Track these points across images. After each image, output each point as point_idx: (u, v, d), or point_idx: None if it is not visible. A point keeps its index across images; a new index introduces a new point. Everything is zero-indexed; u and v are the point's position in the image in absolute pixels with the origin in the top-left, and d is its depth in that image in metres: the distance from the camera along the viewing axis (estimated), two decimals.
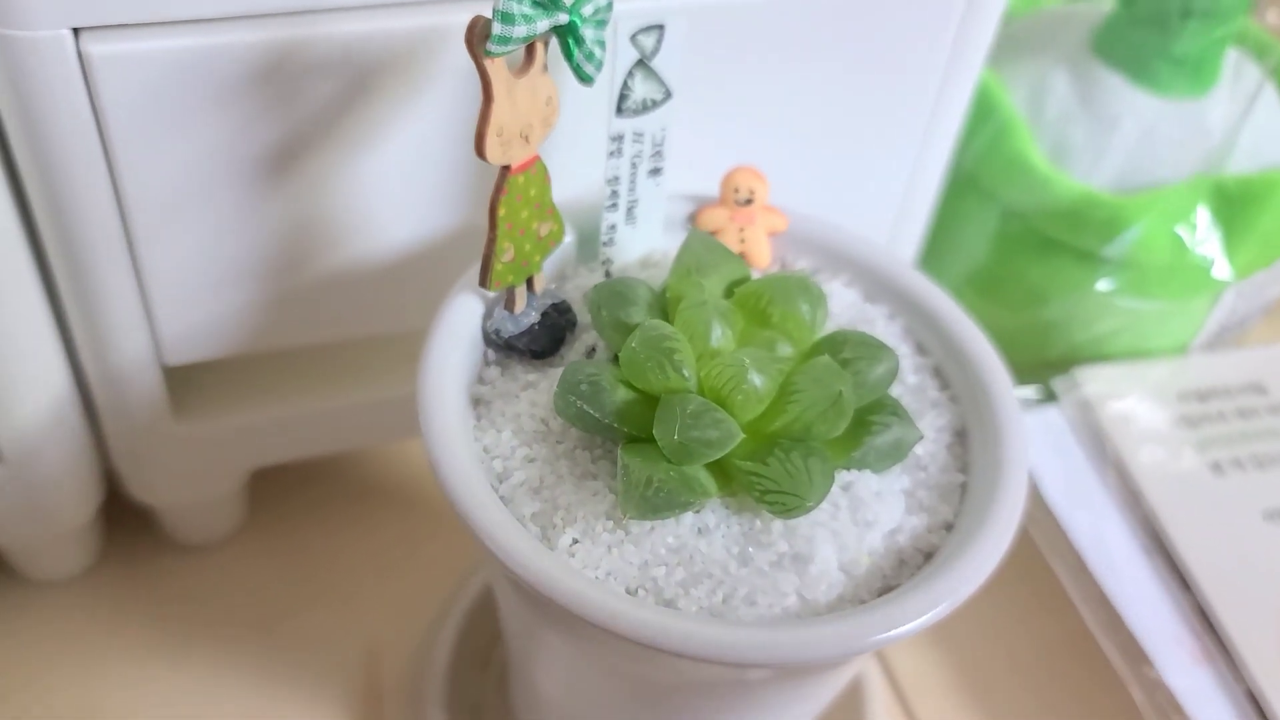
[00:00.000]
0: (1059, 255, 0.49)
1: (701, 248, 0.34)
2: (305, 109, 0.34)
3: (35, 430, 0.40)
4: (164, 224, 0.36)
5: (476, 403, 0.33)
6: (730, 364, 0.30)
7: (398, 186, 0.37)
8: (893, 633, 0.28)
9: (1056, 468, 0.47)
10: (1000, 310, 0.51)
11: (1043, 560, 0.46)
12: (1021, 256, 0.50)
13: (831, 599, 0.30)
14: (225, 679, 0.44)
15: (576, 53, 0.30)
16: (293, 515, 0.49)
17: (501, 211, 0.31)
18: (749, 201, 0.37)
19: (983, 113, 0.49)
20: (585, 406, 0.30)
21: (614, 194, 0.35)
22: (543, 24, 0.28)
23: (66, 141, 0.33)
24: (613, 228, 0.36)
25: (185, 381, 0.43)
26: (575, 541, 0.30)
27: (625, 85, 0.33)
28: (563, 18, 0.28)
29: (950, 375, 0.35)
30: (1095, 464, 0.48)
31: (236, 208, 0.36)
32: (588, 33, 0.29)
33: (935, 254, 0.52)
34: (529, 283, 0.34)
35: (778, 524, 0.30)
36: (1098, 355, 0.51)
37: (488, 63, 0.28)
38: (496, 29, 0.27)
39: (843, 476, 0.32)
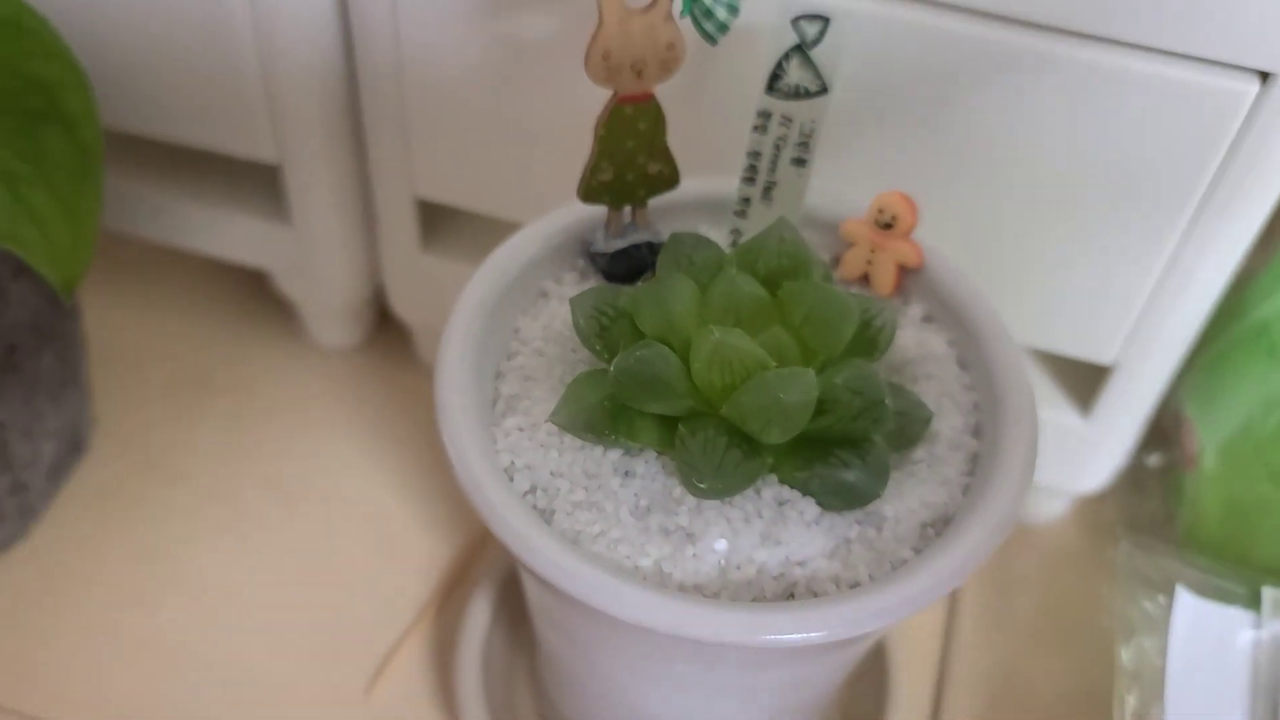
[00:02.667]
0: None
1: (782, 236, 0.34)
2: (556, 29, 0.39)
3: (324, 208, 0.49)
4: (427, 59, 0.42)
5: (541, 295, 0.37)
6: (704, 337, 0.31)
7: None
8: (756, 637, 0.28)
9: (1201, 672, 0.41)
10: (1245, 489, 0.44)
11: None
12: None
13: (688, 584, 0.30)
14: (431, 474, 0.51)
15: (693, 6, 0.32)
16: None
17: (602, 132, 0.34)
18: (889, 226, 0.36)
19: None
20: (583, 323, 0.33)
21: (752, 168, 0.36)
22: None
23: None
24: (746, 200, 0.37)
25: (437, 225, 0.50)
26: (520, 430, 0.33)
27: (780, 65, 0.34)
28: None
29: (978, 471, 0.33)
30: (1248, 695, 0.40)
31: (488, 68, 0.42)
32: None
33: (1208, 399, 0.46)
34: (633, 213, 0.36)
35: (691, 500, 0.31)
36: None
37: None
38: None
39: (781, 492, 0.31)
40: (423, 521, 0.50)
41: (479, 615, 0.45)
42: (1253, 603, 0.43)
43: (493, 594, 0.46)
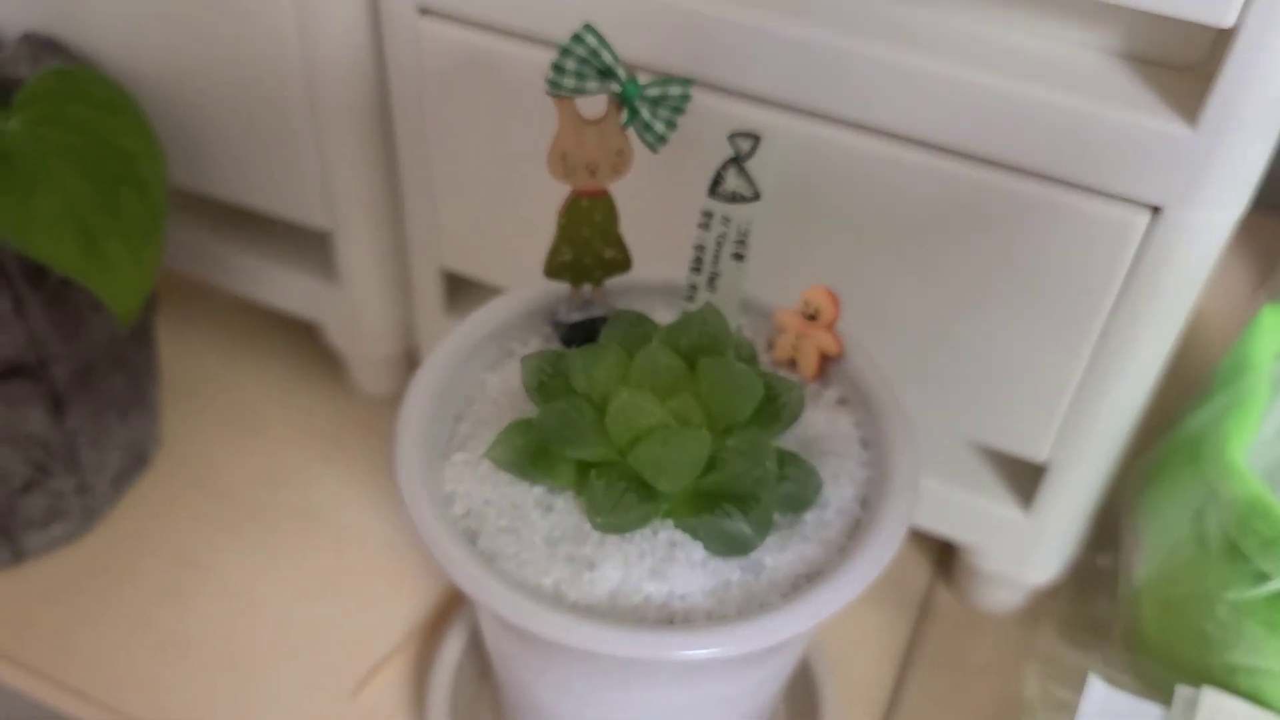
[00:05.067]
0: (1233, 559, 0.44)
1: (708, 319, 0.39)
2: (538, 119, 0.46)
3: (369, 273, 0.56)
4: (452, 157, 0.49)
5: (508, 354, 0.43)
6: (618, 396, 0.36)
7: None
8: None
9: None
10: (1173, 593, 0.47)
11: None
12: (1205, 548, 0.46)
13: (581, 604, 0.35)
14: None
15: (633, 121, 0.38)
16: None
17: (563, 220, 0.40)
18: (813, 317, 0.41)
19: (1228, 382, 0.46)
20: (529, 379, 0.39)
21: (698, 260, 0.42)
22: (592, 84, 0.37)
23: (400, 79, 0.48)
24: (694, 288, 0.43)
25: (461, 292, 0.57)
26: (465, 463, 0.39)
27: (719, 174, 0.40)
28: (615, 87, 0.37)
29: (855, 538, 0.37)
30: None
31: (501, 176, 0.49)
32: (643, 108, 0.37)
33: (1147, 504, 0.50)
34: (592, 291, 0.42)
35: (596, 535, 0.36)
36: (1246, 688, 0.45)
37: (556, 102, 0.37)
38: (549, 74, 0.36)
39: (674, 536, 0.36)
40: (426, 555, 0.56)
41: (456, 640, 0.51)
42: (1168, 699, 0.46)
43: (470, 624, 0.51)
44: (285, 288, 0.59)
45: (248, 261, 0.59)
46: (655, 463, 0.35)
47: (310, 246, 0.59)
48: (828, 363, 0.42)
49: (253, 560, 0.56)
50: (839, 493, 0.38)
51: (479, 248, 0.52)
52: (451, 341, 0.41)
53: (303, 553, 0.56)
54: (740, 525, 0.35)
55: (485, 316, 0.42)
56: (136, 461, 0.58)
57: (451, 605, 0.54)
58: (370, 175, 0.53)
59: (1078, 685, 0.47)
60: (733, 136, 0.39)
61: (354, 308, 0.58)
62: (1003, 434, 0.47)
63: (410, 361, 0.63)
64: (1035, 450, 0.47)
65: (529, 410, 0.40)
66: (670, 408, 0.37)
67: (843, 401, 0.42)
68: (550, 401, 0.38)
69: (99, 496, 0.55)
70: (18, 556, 0.53)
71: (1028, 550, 0.51)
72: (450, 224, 0.52)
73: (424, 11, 0.46)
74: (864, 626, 0.55)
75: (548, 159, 0.39)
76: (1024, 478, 0.51)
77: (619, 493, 0.35)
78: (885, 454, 0.39)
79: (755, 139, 0.39)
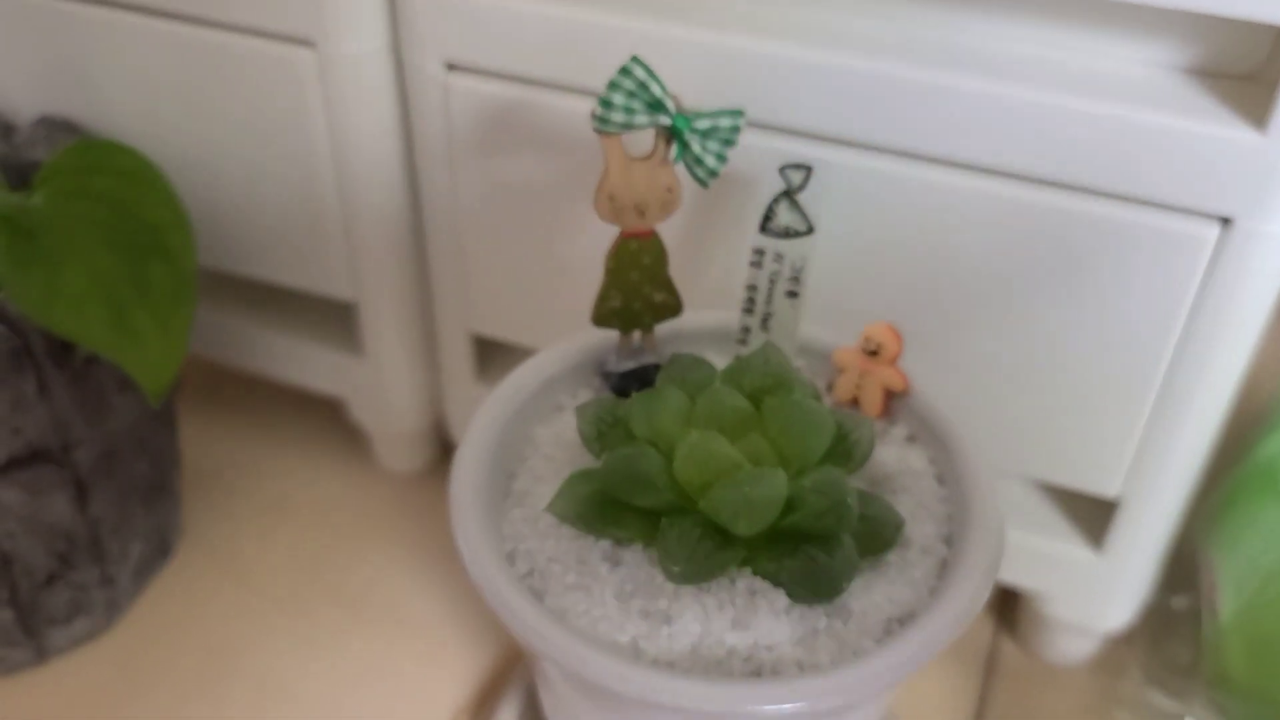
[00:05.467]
0: None
1: (768, 358, 0.38)
2: (576, 170, 0.45)
3: (394, 343, 0.55)
4: (480, 219, 0.48)
5: (557, 408, 0.41)
6: (686, 441, 0.34)
7: None
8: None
9: None
10: (1262, 626, 0.45)
11: None
12: None
13: (662, 660, 0.33)
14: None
15: (684, 154, 0.37)
16: None
17: (611, 264, 0.39)
18: (875, 353, 0.40)
19: None
20: (586, 428, 0.37)
21: (750, 300, 0.41)
22: (641, 118, 0.35)
23: (428, 140, 0.47)
24: (746, 330, 0.41)
25: (491, 358, 0.55)
26: (524, 520, 0.36)
27: (771, 208, 0.39)
28: (665, 120, 0.36)
29: (944, 577, 0.35)
30: None
31: (522, 226, 0.47)
32: (693, 141, 0.36)
33: (1223, 540, 0.47)
34: (642, 338, 0.41)
35: (671, 588, 0.34)
36: None
37: (603, 139, 0.36)
38: (596, 110, 0.35)
39: (754, 584, 0.34)
40: (467, 634, 0.54)
41: (506, 718, 0.48)
42: None
43: (519, 702, 0.48)
44: (307, 364, 0.58)
45: (267, 339, 0.58)
46: (731, 506, 0.33)
47: (332, 320, 0.58)
48: (892, 400, 0.40)
49: (287, 650, 0.53)
50: (920, 530, 0.36)
51: (510, 309, 0.51)
52: (501, 395, 0.39)
53: (339, 639, 0.54)
54: (825, 567, 0.33)
55: (533, 369, 0.40)
56: (159, 551, 0.55)
57: (499, 683, 0.52)
58: (397, 240, 0.51)
59: None
60: (784, 169, 0.38)
61: (380, 380, 0.56)
62: (1072, 471, 0.45)
63: (439, 436, 0.61)
64: (1107, 486, 0.45)
65: (586, 462, 0.38)
66: (741, 449, 0.35)
67: (911, 439, 0.40)
68: (610, 451, 0.36)
69: (122, 589, 0.53)
70: (41, 655, 0.51)
71: (1101, 594, 0.49)
72: (480, 286, 0.50)
73: (451, 68, 0.45)
74: (929, 691, 0.52)
75: (595, 201, 0.37)
76: (1092, 518, 0.49)
77: (694, 540, 0.33)
78: (964, 488, 0.37)
79: (807, 170, 0.38)
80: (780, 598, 0.34)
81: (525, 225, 0.47)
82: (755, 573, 0.34)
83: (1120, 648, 0.53)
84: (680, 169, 0.37)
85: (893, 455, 0.39)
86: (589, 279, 0.39)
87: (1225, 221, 0.38)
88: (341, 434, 0.63)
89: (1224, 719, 0.45)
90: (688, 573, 0.33)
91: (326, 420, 0.64)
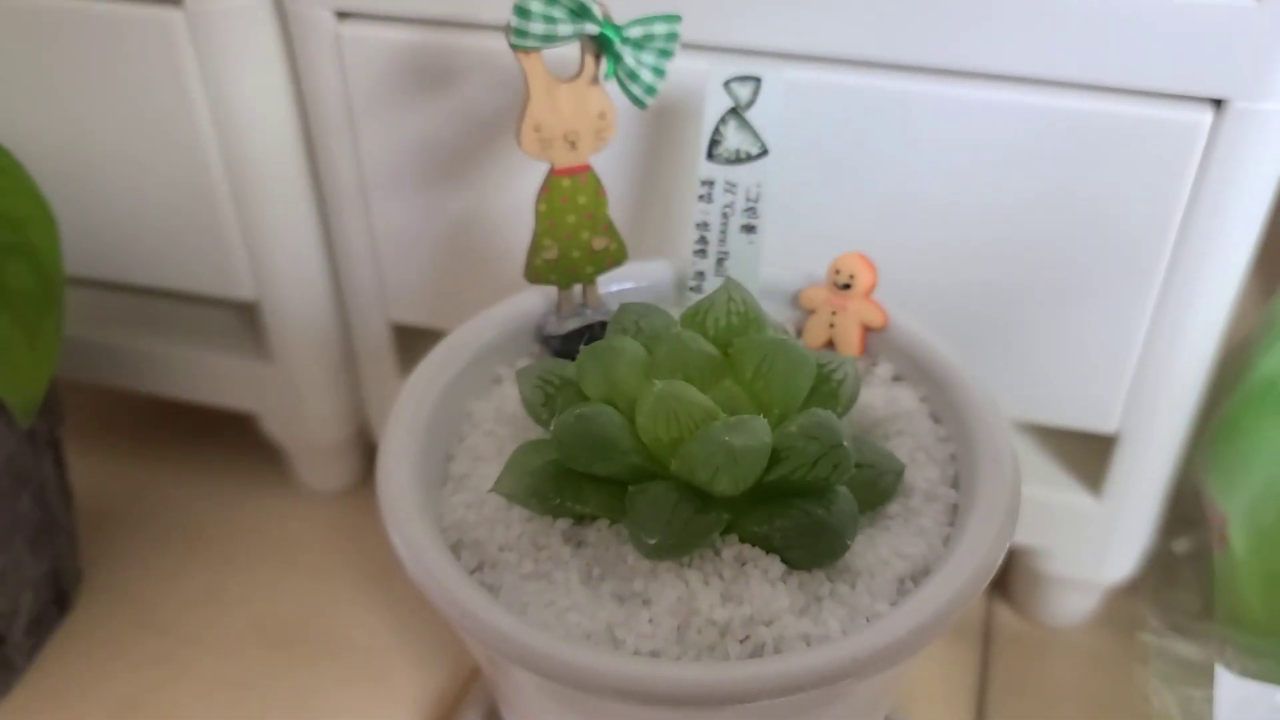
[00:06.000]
0: None
1: (730, 296, 0.33)
2: (494, 116, 0.40)
3: (304, 343, 0.49)
4: (390, 188, 0.43)
5: (495, 380, 0.36)
6: (650, 392, 0.29)
7: None
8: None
9: None
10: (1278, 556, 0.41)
11: None
12: None
13: (643, 650, 0.28)
14: (420, 612, 0.49)
15: (616, 69, 0.32)
16: None
17: (542, 207, 0.34)
18: (847, 286, 0.35)
19: None
20: (529, 393, 0.32)
21: (702, 239, 0.36)
22: (565, 28, 0.31)
23: (327, 103, 0.41)
24: (700, 275, 0.36)
25: (418, 352, 0.49)
26: (467, 506, 0.31)
27: (718, 130, 0.34)
28: (591, 28, 0.31)
29: (958, 520, 0.31)
30: None
31: (441, 189, 0.42)
32: (625, 53, 0.31)
33: (1226, 468, 0.44)
34: (584, 293, 0.36)
35: (645, 564, 0.29)
36: None
37: (522, 58, 0.31)
38: (513, 22, 0.30)
39: (742, 551, 0.29)
40: (413, 659, 0.48)
41: None
42: None
43: None
44: (208, 377, 0.52)
45: (160, 354, 0.52)
46: (710, 461, 0.28)
47: (233, 324, 0.52)
48: (869, 337, 0.36)
49: (209, 695, 0.47)
50: (921, 475, 0.32)
51: (434, 290, 0.45)
52: (428, 368, 0.34)
53: (267, 676, 0.47)
54: (824, 523, 0.29)
55: (463, 338, 0.35)
56: (55, 601, 0.49)
57: (453, 710, 0.46)
58: (298, 222, 0.46)
59: (1191, 680, 0.41)
60: (729, 83, 0.34)
61: (292, 388, 0.50)
62: (1067, 408, 0.41)
63: (364, 445, 0.55)
64: (1104, 420, 0.41)
65: (534, 434, 0.33)
66: (713, 399, 0.30)
67: (898, 378, 0.35)
68: (561, 415, 0.31)
69: (14, 647, 0.46)
70: None
71: (1102, 543, 0.45)
72: (396, 266, 0.45)
73: (342, 15, 0.40)
74: (926, 671, 0.48)
75: (518, 133, 0.33)
76: (1088, 463, 0.45)
77: (669, 506, 0.28)
78: (966, 423, 0.33)
79: (756, 82, 0.34)
80: (774, 564, 0.29)
81: (443, 189, 0.42)
82: (742, 539, 0.30)
83: (1122, 602, 0.49)
84: (613, 90, 0.33)
85: (879, 397, 0.34)
86: (522, 240, 0.35)
87: (1218, 104, 0.34)
88: (256, 453, 0.57)
89: (1250, 658, 0.41)
90: (665, 544, 0.28)
91: (238, 439, 0.58)
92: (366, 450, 0.55)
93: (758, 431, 0.28)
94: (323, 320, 0.49)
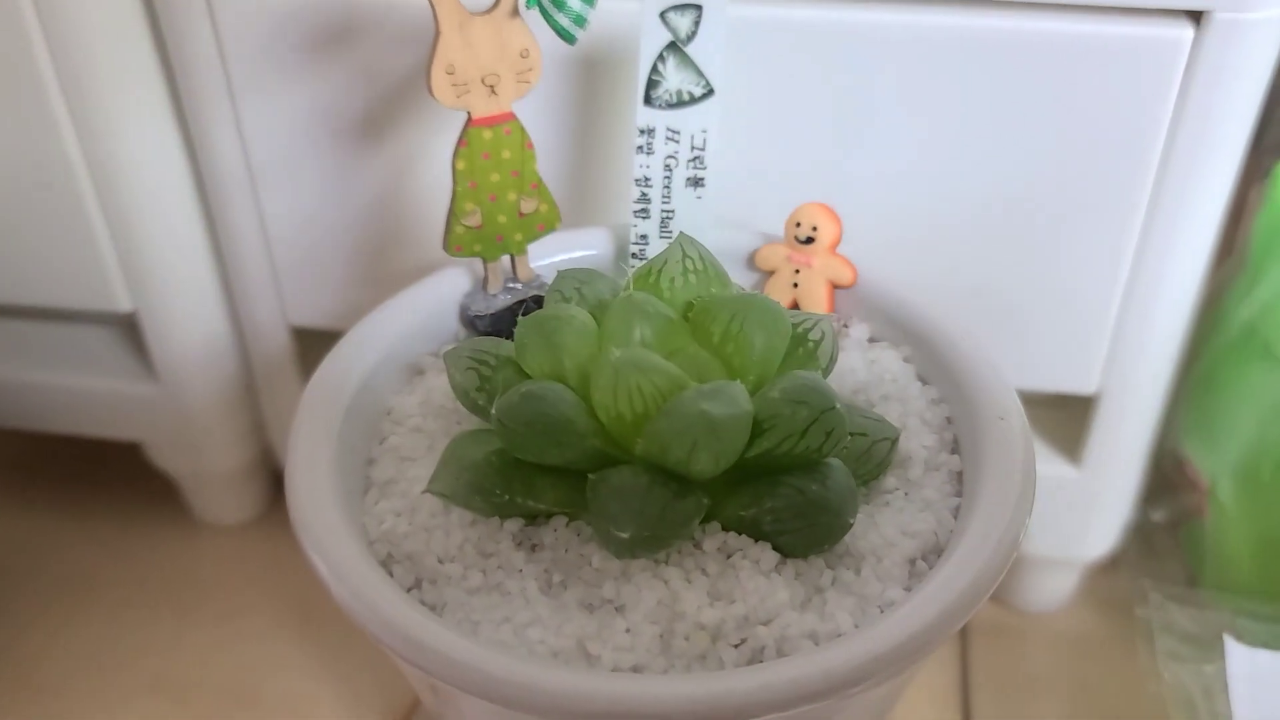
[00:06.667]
0: None
1: (685, 252, 0.29)
2: (394, 78, 0.35)
3: (191, 358, 0.43)
4: (280, 174, 0.38)
5: (417, 371, 0.31)
6: (605, 362, 0.25)
7: None
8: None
9: None
10: (1273, 511, 0.38)
11: None
12: None
13: (623, 665, 0.23)
14: (346, 650, 0.44)
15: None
16: None
17: (460, 165, 0.29)
18: (810, 240, 0.31)
19: (1268, 245, 0.38)
20: (460, 378, 0.27)
21: (643, 196, 0.32)
22: None
23: (201, 77, 0.36)
24: (644, 238, 0.32)
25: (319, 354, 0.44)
26: (397, 515, 0.26)
27: (655, 69, 0.30)
28: None
29: (966, 486, 0.27)
30: None
31: (341, 170, 0.37)
32: None
33: (1206, 427, 0.41)
34: (513, 265, 0.31)
35: (615, 565, 0.25)
36: None
37: None
38: None
39: (727, 541, 0.25)
40: (340, 702, 0.43)
41: None
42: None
43: None
44: (86, 405, 0.46)
45: (27, 382, 0.46)
46: (685, 435, 0.24)
47: (110, 341, 0.46)
48: (838, 296, 0.32)
49: None
50: (916, 442, 0.28)
51: (339, 285, 0.40)
52: (339, 361, 0.29)
53: None
54: (820, 501, 0.25)
55: (377, 325, 0.31)
56: None
57: None
58: (178, 217, 0.40)
59: (1199, 652, 0.37)
60: (665, 13, 0.30)
61: (182, 409, 0.45)
62: (1045, 369, 0.38)
63: (268, 468, 0.49)
64: (1084, 381, 0.38)
65: (470, 425, 0.28)
66: (678, 366, 0.26)
67: (875, 339, 0.32)
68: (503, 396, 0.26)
69: None
70: None
71: (1083, 515, 0.42)
72: (293, 260, 0.40)
73: None
74: None
75: (428, 77, 0.28)
76: (1064, 431, 0.41)
77: (641, 492, 0.24)
78: (960, 383, 0.29)
79: (696, 10, 0.30)
80: (765, 553, 0.25)
81: (346, 166, 0.37)
82: (725, 526, 0.25)
83: (1100, 581, 0.46)
84: (535, 23, 0.28)
85: (857, 360, 0.30)
86: (442, 217, 0.30)
87: (1198, 17, 0.31)
88: (148, 487, 0.50)
89: (1249, 623, 0.38)
90: (640, 538, 0.24)
91: (127, 473, 0.51)
92: (272, 475, 0.50)
93: (737, 399, 0.24)
94: (212, 330, 0.43)
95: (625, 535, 0.23)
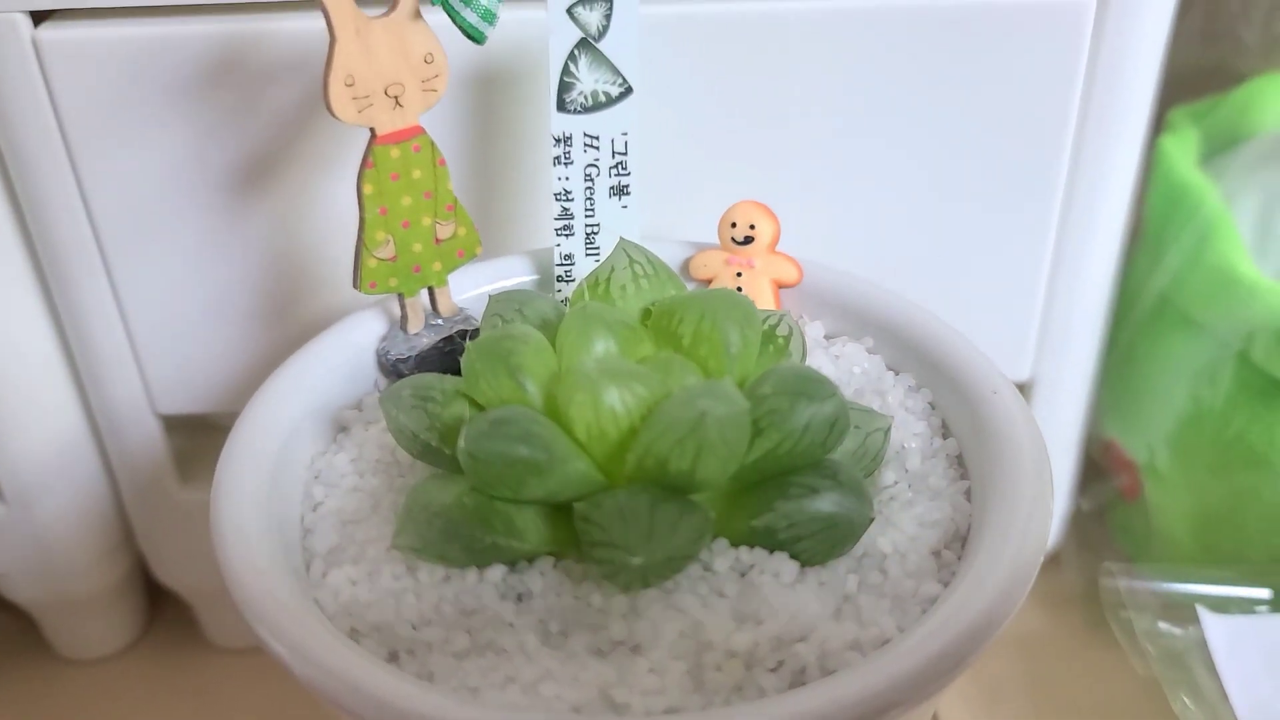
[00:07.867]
0: None
1: (631, 257, 0.27)
2: (269, 116, 0.32)
3: (40, 468, 0.38)
4: (136, 241, 0.34)
5: (340, 429, 0.27)
6: (577, 377, 0.22)
7: None
8: None
9: (1267, 692, 0.33)
10: (1214, 479, 0.38)
11: None
12: (1239, 405, 0.37)
13: (657, 709, 0.20)
14: None
15: None
16: None
17: (368, 189, 0.26)
18: (748, 240, 0.29)
19: (1182, 218, 0.38)
20: (405, 419, 0.24)
21: (565, 212, 0.29)
22: None
23: (29, 135, 0.32)
24: (569, 257, 0.30)
25: (201, 451, 0.40)
26: (354, 584, 0.23)
27: (567, 70, 0.28)
28: None
29: (973, 467, 0.25)
30: None
31: (210, 230, 0.33)
32: None
33: (1130, 406, 0.41)
34: (433, 299, 0.28)
35: (621, 601, 0.22)
36: None
37: None
38: None
39: (739, 558, 0.22)
40: None
41: None
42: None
43: None
44: None
45: None
46: (687, 443, 0.21)
47: None
48: (783, 295, 0.30)
49: None
50: (909, 431, 0.26)
51: (213, 362, 0.36)
52: (247, 437, 0.25)
53: None
54: (837, 498, 0.22)
55: (285, 384, 0.27)
56: None
57: None
58: (16, 294, 0.35)
59: (1173, 622, 0.37)
60: (572, 8, 0.27)
61: (31, 527, 0.39)
62: None
63: (142, 586, 0.44)
64: (1016, 368, 0.37)
65: (414, 478, 0.25)
66: (660, 373, 0.23)
67: (831, 336, 0.30)
68: (455, 439, 0.23)
69: None
70: None
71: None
72: (155, 338, 0.35)
73: (38, 18, 0.31)
74: None
75: (326, 91, 0.25)
76: None
77: (645, 510, 0.21)
78: (937, 363, 0.27)
79: (606, 3, 0.28)
80: (785, 564, 0.22)
81: (214, 218, 0.33)
82: (735, 542, 0.23)
83: (1048, 575, 0.45)
84: (438, 25, 0.26)
85: (822, 358, 0.28)
86: (345, 262, 0.27)
87: None
88: (1, 622, 0.44)
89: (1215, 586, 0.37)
90: (655, 562, 0.21)
91: None
92: (146, 594, 0.44)
93: (732, 395, 0.22)
94: (65, 431, 0.38)
95: (638, 561, 0.20)
